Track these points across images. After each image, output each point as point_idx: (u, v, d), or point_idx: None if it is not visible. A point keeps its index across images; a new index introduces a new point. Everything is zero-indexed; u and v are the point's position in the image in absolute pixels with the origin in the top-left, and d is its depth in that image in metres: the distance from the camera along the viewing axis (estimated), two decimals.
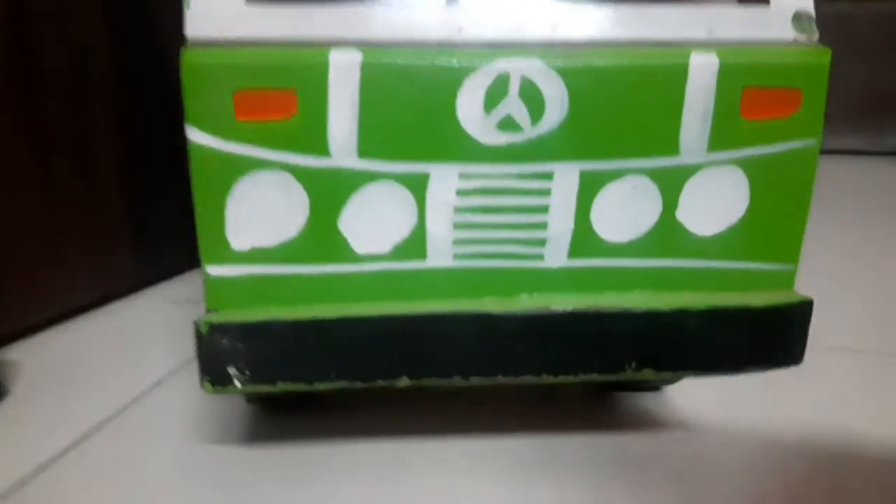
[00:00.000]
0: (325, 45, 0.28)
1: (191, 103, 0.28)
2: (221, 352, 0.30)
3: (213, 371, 0.30)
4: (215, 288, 0.30)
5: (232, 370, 0.30)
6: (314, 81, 0.28)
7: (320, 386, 0.31)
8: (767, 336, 0.32)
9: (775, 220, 0.32)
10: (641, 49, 0.29)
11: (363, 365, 0.31)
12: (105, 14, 0.56)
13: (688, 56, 0.29)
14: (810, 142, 0.31)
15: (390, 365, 0.31)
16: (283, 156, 0.29)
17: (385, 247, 0.31)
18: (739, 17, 0.30)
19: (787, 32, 0.31)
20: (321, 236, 0.30)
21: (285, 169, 0.29)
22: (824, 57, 0.30)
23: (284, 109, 0.28)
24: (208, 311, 0.30)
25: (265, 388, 0.30)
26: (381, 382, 0.31)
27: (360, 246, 0.31)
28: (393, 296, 0.31)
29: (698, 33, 0.30)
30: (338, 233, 0.30)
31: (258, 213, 0.30)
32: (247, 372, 0.30)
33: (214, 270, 0.30)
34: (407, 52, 0.28)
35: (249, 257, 0.30)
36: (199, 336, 0.30)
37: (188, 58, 0.28)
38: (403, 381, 0.31)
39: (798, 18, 0.30)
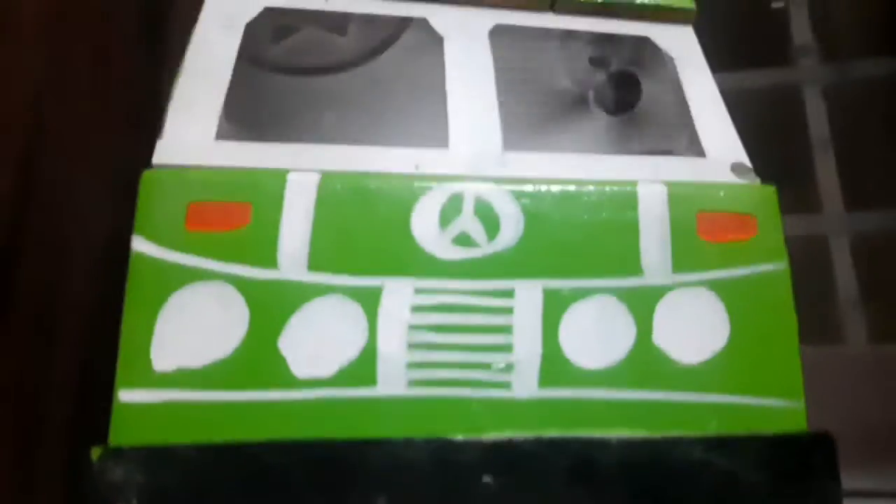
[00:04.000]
0: (285, 169, 0.29)
1: (142, 214, 0.28)
2: (112, 486, 0.24)
3: None
4: (123, 416, 0.26)
5: None
6: (270, 195, 0.29)
7: None
8: (787, 472, 0.26)
9: (763, 348, 0.29)
10: (590, 181, 0.31)
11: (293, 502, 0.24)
12: None
13: (635, 185, 0.30)
14: (777, 265, 0.30)
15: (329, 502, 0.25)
16: (228, 266, 0.28)
17: (329, 370, 0.27)
18: (681, 164, 0.33)
19: (729, 177, 0.32)
20: (257, 356, 0.27)
21: (228, 280, 0.28)
22: (770, 189, 0.31)
23: (236, 221, 0.28)
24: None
25: None
26: None
27: (300, 368, 0.27)
28: (335, 425, 0.26)
29: (643, 175, 0.32)
30: (276, 353, 0.27)
31: (190, 329, 0.27)
32: None
33: (127, 396, 0.26)
34: (364, 175, 0.29)
35: (171, 380, 0.27)
36: (88, 465, 0.24)
37: (148, 174, 0.29)
38: None
39: (736, 168, 0.33)
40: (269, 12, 0.34)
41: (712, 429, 0.27)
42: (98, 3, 0.53)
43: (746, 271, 0.30)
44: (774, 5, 0.79)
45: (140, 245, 0.27)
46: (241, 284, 0.27)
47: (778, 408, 0.28)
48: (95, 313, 0.52)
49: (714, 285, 0.29)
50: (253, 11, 0.34)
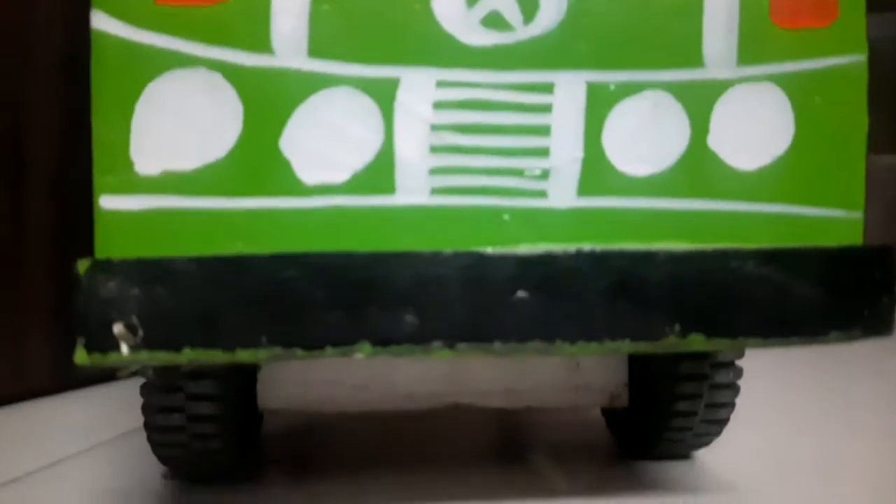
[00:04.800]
0: None
1: None
2: (106, 302, 0.21)
3: (91, 330, 0.21)
4: (108, 225, 0.22)
5: (119, 328, 0.21)
6: None
7: (244, 355, 0.21)
8: (845, 288, 0.24)
9: (828, 153, 0.25)
10: None
11: (307, 324, 0.21)
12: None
13: None
14: (856, 58, 0.25)
15: (345, 325, 0.22)
16: (212, 50, 0.23)
17: (341, 175, 0.23)
18: None
19: None
20: (257, 159, 0.23)
21: (213, 67, 0.23)
22: None
23: None
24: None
25: (165, 357, 0.21)
26: (331, 351, 0.22)
27: (307, 173, 0.23)
28: (351, 237, 0.23)
29: None
30: (279, 155, 0.23)
31: (174, 125, 0.22)
32: (140, 331, 0.21)
33: (109, 202, 0.22)
34: None
35: (158, 185, 0.22)
36: (76, 280, 0.21)
37: None
38: (363, 350, 0.22)
39: None
40: None
41: (766, 241, 0.24)
42: None
43: (821, 64, 0.25)
44: None
45: (101, 23, 0.22)
46: (229, 72, 0.23)
47: (836, 218, 0.25)
48: (65, 119, 0.48)
49: (783, 80, 0.25)
50: None
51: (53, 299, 0.51)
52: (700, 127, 0.25)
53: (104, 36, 0.22)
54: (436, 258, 0.22)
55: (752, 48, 0.25)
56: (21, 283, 0.50)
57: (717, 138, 0.25)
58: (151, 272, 0.21)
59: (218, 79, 0.23)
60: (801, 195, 0.25)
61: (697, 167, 0.25)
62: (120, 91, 0.23)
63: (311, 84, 0.23)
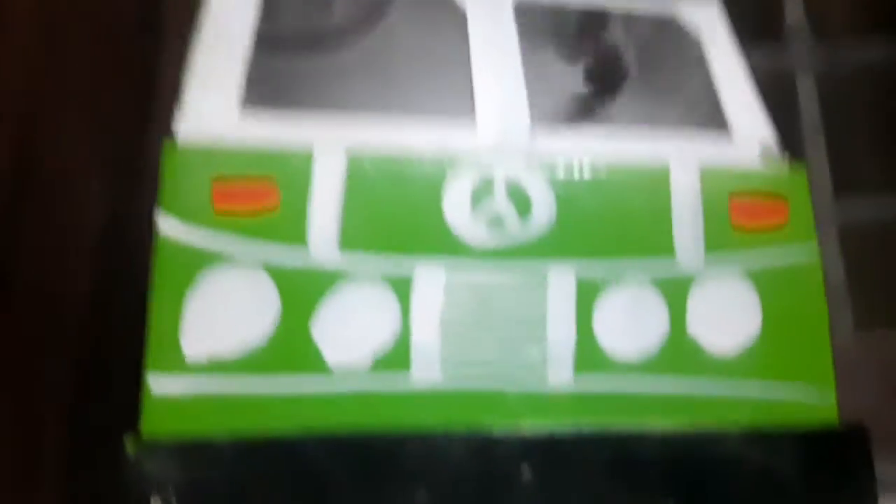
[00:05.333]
0: (311, 146, 0.28)
1: (168, 191, 0.27)
2: (148, 477, 0.24)
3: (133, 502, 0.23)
4: (155, 407, 0.25)
5: (157, 502, 0.23)
6: (297, 171, 0.27)
7: None
8: (823, 467, 0.26)
9: (795, 336, 0.29)
10: (621, 163, 0.30)
11: (328, 500, 0.24)
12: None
13: (667, 167, 0.30)
14: (810, 251, 0.30)
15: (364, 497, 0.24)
16: (257, 248, 0.27)
17: (363, 358, 0.27)
18: (709, 141, 0.32)
19: (757, 156, 0.32)
20: (290, 344, 0.26)
21: (257, 264, 0.27)
22: (801, 172, 0.31)
23: (264, 199, 0.27)
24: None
25: None
26: None
27: (334, 355, 0.27)
28: (371, 416, 0.26)
29: (672, 151, 0.31)
30: (309, 339, 0.27)
31: (221, 314, 0.26)
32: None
33: (159, 384, 0.25)
34: (394, 150, 0.28)
35: (204, 368, 0.26)
36: (124, 456, 0.24)
37: (171, 147, 0.27)
38: None
39: (764, 148, 0.32)
40: None
41: (746, 420, 0.27)
42: None
43: (779, 258, 0.29)
44: None
45: (166, 224, 0.26)
46: (270, 267, 0.27)
47: (810, 398, 0.28)
48: (97, 293, 0.51)
49: (747, 273, 0.29)
50: None
51: None
52: (678, 313, 0.29)
53: (167, 235, 0.27)
54: (446, 438, 0.25)
55: (716, 244, 0.30)
56: None
57: (695, 323, 0.29)
58: (191, 453, 0.24)
59: (260, 273, 0.27)
60: (775, 376, 0.29)
61: (679, 350, 0.28)
62: (176, 284, 0.26)
63: (339, 275, 0.27)
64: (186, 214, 0.26)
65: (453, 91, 0.32)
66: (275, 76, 0.31)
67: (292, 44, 0.32)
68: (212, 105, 0.29)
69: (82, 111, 0.45)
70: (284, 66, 0.31)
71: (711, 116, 0.33)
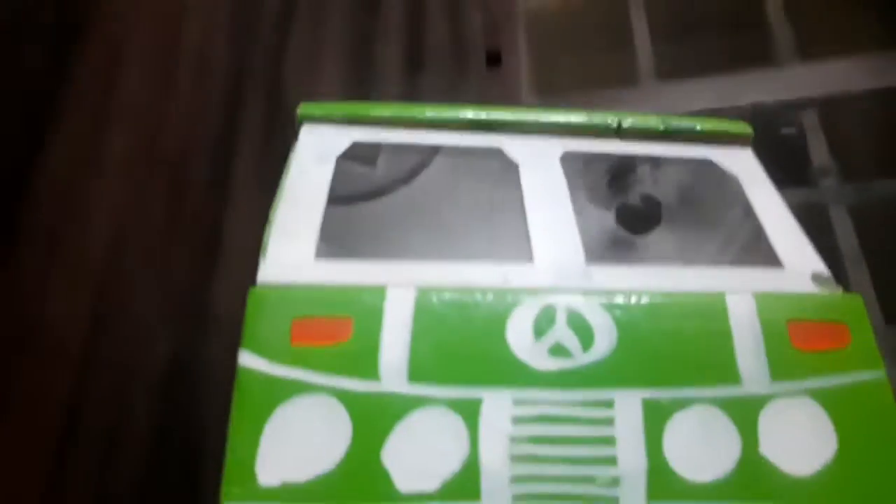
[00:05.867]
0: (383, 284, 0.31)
1: (249, 330, 0.29)
2: None
3: None
4: None
5: None
6: (370, 310, 0.30)
7: None
8: None
9: (871, 456, 0.28)
10: (676, 292, 0.32)
11: None
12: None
13: (723, 295, 0.31)
14: (877, 374, 0.30)
15: None
16: (331, 379, 0.29)
17: (433, 484, 0.27)
18: (760, 275, 0.34)
19: (811, 287, 0.33)
20: (360, 470, 0.27)
21: (331, 393, 0.28)
22: (857, 298, 0.32)
23: (339, 335, 0.29)
24: None
25: None
26: None
27: (404, 482, 0.27)
28: None
29: (725, 285, 0.33)
30: (380, 466, 0.27)
31: (295, 442, 0.28)
32: None
33: None
34: (458, 288, 0.31)
35: (276, 495, 0.27)
36: None
37: (255, 291, 0.30)
38: None
39: (817, 278, 0.33)
40: (357, 146, 0.37)
41: None
42: (177, 144, 0.57)
43: (846, 380, 0.29)
44: (785, 131, 0.82)
45: (246, 359, 0.28)
46: (344, 396, 0.28)
47: None
48: (160, 428, 0.52)
49: (815, 394, 0.29)
50: (343, 145, 0.36)
51: None
52: (749, 436, 0.28)
53: (247, 370, 0.28)
54: None
55: (780, 367, 0.30)
56: None
57: (768, 446, 0.28)
58: None
59: (334, 403, 0.28)
60: (855, 498, 0.28)
61: (754, 473, 0.28)
62: (254, 414, 0.28)
63: (409, 404, 0.28)
64: (266, 351, 0.28)
65: (512, 236, 0.34)
66: (348, 228, 0.34)
67: (361, 198, 0.35)
68: (291, 255, 0.32)
69: (155, 258, 0.49)
70: (354, 217, 0.34)
71: (759, 250, 0.34)
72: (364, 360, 0.29)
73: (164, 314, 0.50)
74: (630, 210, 0.36)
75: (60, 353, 0.45)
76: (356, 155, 0.37)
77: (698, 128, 0.38)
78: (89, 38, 0.48)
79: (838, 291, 0.33)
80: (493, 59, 0.96)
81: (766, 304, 0.31)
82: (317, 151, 0.36)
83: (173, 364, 0.56)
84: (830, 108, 0.86)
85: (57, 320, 0.45)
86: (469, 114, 0.38)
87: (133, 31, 0.52)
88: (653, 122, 0.38)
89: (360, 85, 0.69)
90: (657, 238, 0.36)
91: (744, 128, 0.39)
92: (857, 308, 0.31)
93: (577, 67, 1.00)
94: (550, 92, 0.94)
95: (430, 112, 0.37)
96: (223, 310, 0.64)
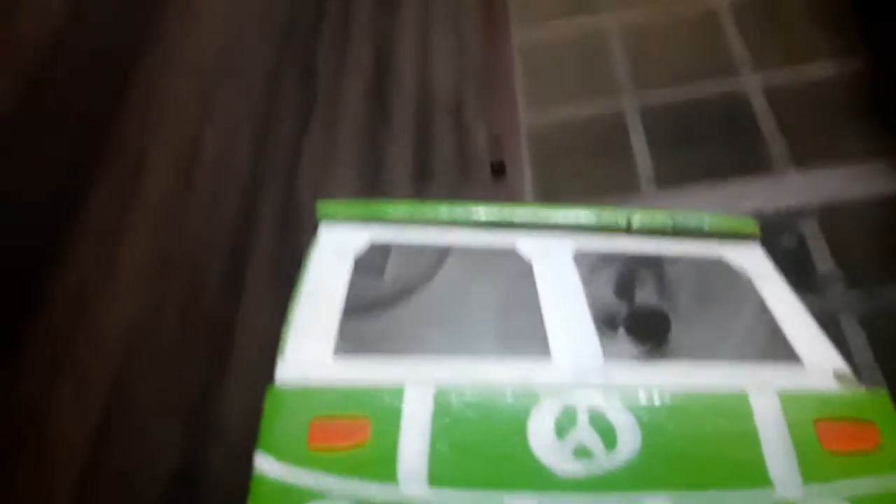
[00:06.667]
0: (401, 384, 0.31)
1: (267, 430, 0.29)
2: None
3: None
4: None
5: None
6: (388, 410, 0.29)
7: None
8: None
9: None
10: (698, 391, 0.31)
11: None
12: None
13: (746, 393, 0.31)
14: None
15: None
16: (348, 484, 0.28)
17: None
18: (781, 372, 0.33)
19: (833, 384, 0.33)
20: None
21: (348, 498, 0.28)
22: (883, 395, 0.32)
23: (357, 436, 0.29)
24: None
25: None
26: None
27: None
28: None
29: (745, 382, 0.32)
30: None
31: None
32: None
33: None
34: (477, 387, 0.31)
35: None
36: None
37: (273, 391, 0.30)
38: None
39: (839, 376, 0.33)
40: (374, 247, 0.37)
41: None
42: (193, 246, 0.58)
43: (879, 483, 0.28)
44: (786, 245, 0.84)
45: (263, 463, 0.27)
46: (361, 502, 0.27)
47: None
48: None
49: (849, 497, 0.28)
50: (361, 243, 0.37)
51: None
52: None
53: (263, 477, 0.28)
54: None
55: (812, 470, 0.29)
56: None
57: None
58: None
59: None
60: None
61: None
62: None
63: None
64: (283, 454, 0.28)
65: (529, 333, 0.34)
66: (365, 326, 0.34)
67: (379, 298, 0.35)
68: (310, 352, 0.32)
69: (167, 366, 0.48)
70: (372, 315, 0.34)
71: (778, 347, 0.34)
72: (382, 464, 0.28)
73: (172, 423, 0.49)
74: (644, 309, 0.36)
75: (62, 465, 0.44)
76: (374, 255, 0.37)
77: (707, 228, 0.39)
78: (111, 149, 0.50)
79: (861, 389, 0.32)
80: (498, 171, 1.00)
81: (791, 403, 0.30)
82: (335, 249, 0.37)
83: (178, 475, 0.54)
84: (829, 215, 0.88)
85: (62, 432, 0.44)
86: (482, 212, 0.38)
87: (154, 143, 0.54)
88: (661, 220, 0.39)
89: (371, 191, 0.70)
90: (673, 335, 0.36)
91: (751, 225, 0.40)
92: (884, 405, 0.31)
93: (579, 177, 1.03)
94: (554, 201, 0.96)
95: (445, 211, 0.38)
96: (232, 416, 0.63)
